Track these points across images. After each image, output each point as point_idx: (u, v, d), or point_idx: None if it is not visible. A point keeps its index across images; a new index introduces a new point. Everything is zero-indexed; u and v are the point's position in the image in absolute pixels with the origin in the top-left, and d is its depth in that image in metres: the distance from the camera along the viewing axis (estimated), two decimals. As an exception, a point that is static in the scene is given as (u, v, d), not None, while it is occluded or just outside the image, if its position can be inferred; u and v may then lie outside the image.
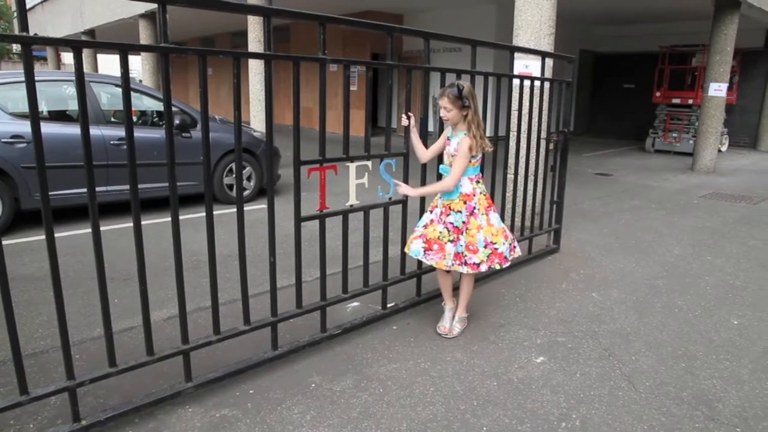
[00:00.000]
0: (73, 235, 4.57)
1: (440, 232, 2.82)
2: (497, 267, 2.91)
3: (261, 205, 5.81)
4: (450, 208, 2.84)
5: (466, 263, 2.83)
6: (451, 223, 2.82)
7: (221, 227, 4.70)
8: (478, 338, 2.95)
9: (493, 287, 3.69)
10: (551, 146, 4.47)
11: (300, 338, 2.75)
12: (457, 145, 2.78)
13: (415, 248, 2.85)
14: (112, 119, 5.28)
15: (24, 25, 1.73)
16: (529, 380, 2.53)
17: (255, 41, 8.66)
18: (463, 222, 2.82)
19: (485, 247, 2.85)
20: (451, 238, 2.81)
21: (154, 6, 1.99)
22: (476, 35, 3.36)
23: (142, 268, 2.12)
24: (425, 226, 2.89)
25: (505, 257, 2.92)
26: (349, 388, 2.43)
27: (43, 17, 19.29)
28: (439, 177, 3.00)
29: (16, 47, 26.75)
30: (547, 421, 2.22)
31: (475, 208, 2.85)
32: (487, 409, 2.30)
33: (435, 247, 2.80)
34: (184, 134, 5.42)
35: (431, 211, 2.93)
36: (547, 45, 4.66)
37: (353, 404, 2.31)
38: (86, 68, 1.79)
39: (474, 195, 2.85)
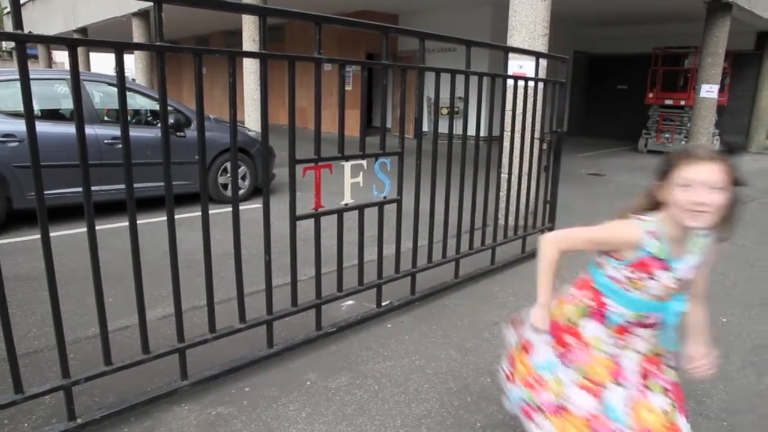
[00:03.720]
0: (65, 234, 4.55)
1: (666, 411, 1.49)
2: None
3: (256, 204, 5.80)
4: (659, 358, 1.58)
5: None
6: (672, 384, 1.57)
7: (216, 226, 4.65)
8: (472, 336, 2.97)
9: (487, 286, 3.71)
10: (545, 146, 4.50)
11: (295, 336, 2.76)
12: (706, 254, 1.50)
13: None
14: (106, 118, 5.27)
15: (18, 22, 1.73)
16: (522, 377, 2.56)
17: (249, 40, 8.64)
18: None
19: None
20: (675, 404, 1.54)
21: (148, 4, 1.99)
22: (471, 36, 3.39)
23: (137, 266, 2.12)
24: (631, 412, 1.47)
25: None
26: (344, 386, 2.44)
27: (34, 15, 19.14)
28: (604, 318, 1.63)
29: (6, 45, 26.49)
30: (540, 418, 2.24)
31: None
32: (481, 405, 2.32)
33: None
34: (178, 133, 5.41)
35: (591, 382, 1.53)
36: (541, 45, 4.69)
37: (348, 401, 2.32)
38: (80, 67, 1.78)
39: None
